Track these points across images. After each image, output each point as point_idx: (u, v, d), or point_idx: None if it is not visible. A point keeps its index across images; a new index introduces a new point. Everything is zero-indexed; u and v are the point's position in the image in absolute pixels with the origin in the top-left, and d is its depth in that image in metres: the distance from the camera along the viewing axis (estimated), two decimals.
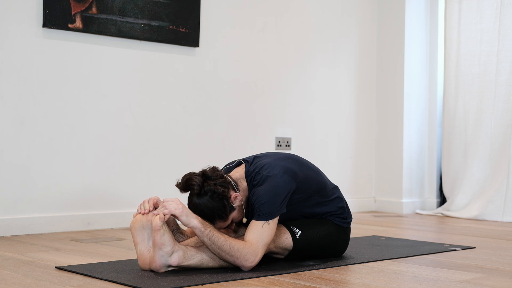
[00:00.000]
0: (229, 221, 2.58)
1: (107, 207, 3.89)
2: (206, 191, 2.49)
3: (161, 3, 4.03)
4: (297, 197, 2.65)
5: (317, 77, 4.98)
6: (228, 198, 2.52)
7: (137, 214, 2.51)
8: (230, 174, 2.67)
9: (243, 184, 2.63)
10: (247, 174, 2.64)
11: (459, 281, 2.44)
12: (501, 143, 4.88)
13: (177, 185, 2.53)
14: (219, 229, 2.55)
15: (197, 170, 2.61)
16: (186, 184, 2.50)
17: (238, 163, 2.75)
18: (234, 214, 2.58)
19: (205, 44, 4.30)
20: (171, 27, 4.08)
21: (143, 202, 2.53)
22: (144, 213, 2.49)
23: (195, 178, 2.49)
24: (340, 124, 5.14)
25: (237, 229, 2.71)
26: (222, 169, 2.74)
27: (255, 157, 2.72)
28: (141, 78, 4.04)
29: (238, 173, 2.66)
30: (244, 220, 2.63)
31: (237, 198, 2.56)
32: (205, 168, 2.57)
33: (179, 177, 2.56)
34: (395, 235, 3.82)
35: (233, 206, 2.55)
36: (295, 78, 4.84)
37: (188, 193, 2.55)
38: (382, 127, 5.35)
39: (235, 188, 2.58)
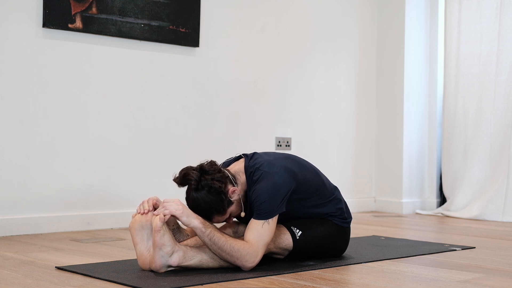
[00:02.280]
0: (227, 215, 2.58)
1: (107, 207, 3.89)
2: (203, 186, 2.48)
3: (161, 3, 4.03)
4: (295, 197, 2.65)
5: (317, 77, 4.98)
6: (225, 192, 2.52)
7: (136, 214, 2.51)
8: (229, 167, 2.67)
9: (242, 178, 2.62)
10: (247, 168, 2.63)
11: (459, 281, 2.44)
12: (501, 143, 4.88)
13: (175, 180, 2.53)
14: (217, 223, 2.55)
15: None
16: (183, 178, 2.50)
17: (237, 157, 2.75)
18: (232, 208, 2.57)
19: (205, 44, 4.30)
20: (171, 27, 4.08)
21: (143, 202, 2.53)
22: (144, 213, 2.49)
23: (192, 172, 2.49)
24: (340, 124, 5.14)
25: (237, 229, 2.71)
26: (221, 163, 2.74)
27: (255, 153, 2.72)
28: (141, 78, 4.04)
29: (237, 167, 2.66)
30: (243, 214, 2.63)
31: (235, 192, 2.56)
32: (203, 162, 2.57)
33: (177, 173, 2.56)
34: (395, 235, 3.82)
35: (231, 200, 2.55)
36: (295, 78, 4.84)
37: (185, 188, 2.55)
38: (382, 127, 5.35)
39: (233, 182, 2.58)
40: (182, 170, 2.53)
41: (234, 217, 2.66)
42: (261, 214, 2.49)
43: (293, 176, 2.60)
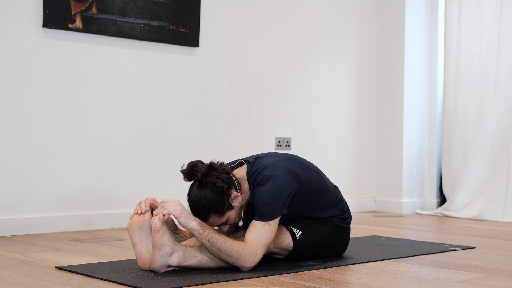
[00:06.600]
0: (224, 219, 2.55)
1: (107, 207, 3.89)
2: (208, 182, 2.48)
3: (161, 3, 4.03)
4: (298, 199, 2.64)
5: (317, 77, 4.98)
6: (228, 194, 2.51)
7: (133, 215, 2.51)
8: (233, 173, 2.66)
9: (245, 185, 2.61)
10: (249, 175, 2.62)
11: (459, 281, 2.44)
12: (501, 143, 4.88)
13: (182, 171, 2.52)
14: (212, 225, 2.54)
15: None
16: (191, 169, 2.49)
17: (239, 163, 2.73)
18: (230, 214, 2.56)
19: (205, 44, 4.30)
20: (171, 27, 4.08)
21: (140, 203, 2.53)
22: (141, 213, 2.49)
23: (201, 165, 2.49)
24: (340, 124, 5.14)
25: (236, 231, 2.70)
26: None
27: (257, 158, 2.71)
28: (141, 78, 4.04)
29: (240, 174, 2.64)
30: (240, 223, 2.61)
31: (237, 199, 2.55)
32: (214, 160, 2.57)
33: (185, 164, 2.55)
34: (395, 235, 3.82)
35: (231, 205, 2.54)
36: (295, 78, 4.84)
37: (188, 184, 2.54)
38: (382, 127, 5.35)
39: (238, 188, 2.57)
40: (191, 161, 2.52)
41: (230, 225, 2.63)
42: (262, 215, 2.49)
43: (296, 177, 2.59)
